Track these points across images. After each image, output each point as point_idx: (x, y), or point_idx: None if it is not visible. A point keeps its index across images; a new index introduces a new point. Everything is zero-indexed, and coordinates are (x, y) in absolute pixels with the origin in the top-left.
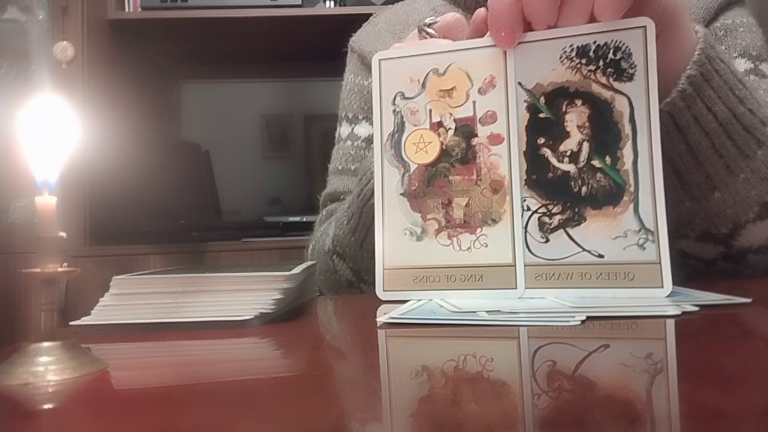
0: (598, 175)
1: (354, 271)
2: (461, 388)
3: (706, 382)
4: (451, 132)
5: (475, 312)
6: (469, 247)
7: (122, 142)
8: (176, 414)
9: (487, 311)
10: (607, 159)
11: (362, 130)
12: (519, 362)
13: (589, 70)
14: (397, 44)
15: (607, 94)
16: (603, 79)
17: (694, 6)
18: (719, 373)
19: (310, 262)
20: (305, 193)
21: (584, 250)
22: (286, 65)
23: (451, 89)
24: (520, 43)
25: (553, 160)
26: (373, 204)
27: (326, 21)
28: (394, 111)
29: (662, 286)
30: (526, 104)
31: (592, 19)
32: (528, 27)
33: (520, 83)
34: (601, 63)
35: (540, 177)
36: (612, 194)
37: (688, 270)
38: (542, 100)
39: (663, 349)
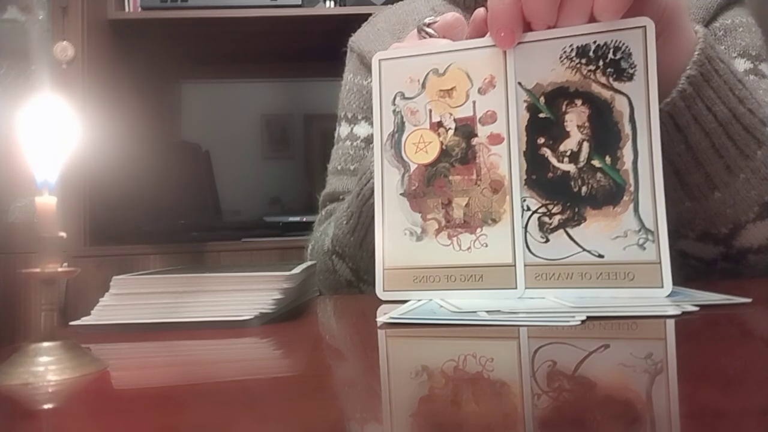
0: (598, 175)
1: (353, 270)
2: (461, 388)
3: (706, 382)
4: (451, 132)
5: (475, 312)
6: (469, 247)
7: (122, 142)
8: (176, 414)
9: (487, 311)
10: (607, 159)
11: (361, 130)
12: (519, 362)
13: (589, 70)
14: (396, 44)
15: (607, 94)
16: (603, 79)
17: (693, 6)
18: (719, 373)
19: (310, 262)
20: (305, 193)
21: (584, 250)
22: (286, 65)
23: (451, 89)
24: (519, 43)
25: (553, 160)
26: (372, 203)
27: (326, 21)
28: (394, 111)
29: (662, 286)
30: (526, 104)
31: (592, 19)
32: (528, 27)
33: (519, 83)
34: (600, 63)
35: (540, 177)
36: (612, 194)
37: (688, 270)
38: (542, 100)
39: (663, 349)
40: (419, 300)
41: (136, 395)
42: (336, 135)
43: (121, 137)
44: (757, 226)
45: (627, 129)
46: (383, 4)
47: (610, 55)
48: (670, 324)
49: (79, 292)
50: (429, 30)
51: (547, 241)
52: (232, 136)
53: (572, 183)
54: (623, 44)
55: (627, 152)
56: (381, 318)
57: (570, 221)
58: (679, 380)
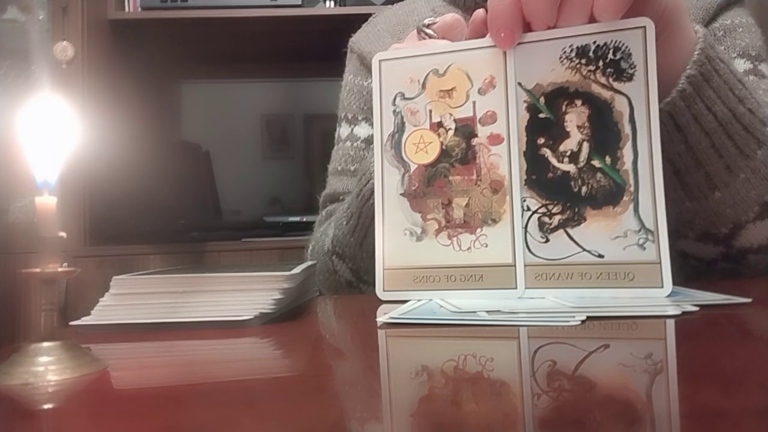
0: (598, 175)
1: (353, 271)
2: (461, 388)
3: (706, 382)
4: (451, 132)
5: (475, 312)
6: (469, 247)
7: (122, 142)
8: (176, 414)
9: (487, 311)
10: (607, 159)
11: (362, 130)
12: (519, 362)
13: (589, 71)
14: (396, 44)
15: (606, 94)
16: (603, 80)
17: (693, 6)
18: (719, 373)
19: (310, 262)
20: (305, 193)
21: (584, 250)
22: (286, 65)
23: (451, 89)
24: (519, 43)
25: (553, 160)
26: (372, 204)
27: (326, 21)
28: (394, 111)
29: (662, 286)
30: (525, 104)
31: (592, 20)
32: (528, 27)
33: (519, 83)
34: (600, 63)
35: (540, 177)
36: (612, 194)
37: (688, 270)
38: (542, 100)
39: (663, 349)
40: (419, 300)
41: (136, 395)
42: (336, 136)
43: (121, 137)
44: (757, 226)
45: (627, 129)
46: (383, 4)
47: (610, 56)
48: (670, 324)
49: (79, 292)
50: (428, 31)
51: (547, 241)
52: (232, 136)
53: (572, 183)
54: (623, 44)
55: (627, 152)
56: (381, 318)
57: (570, 221)
58: (679, 380)
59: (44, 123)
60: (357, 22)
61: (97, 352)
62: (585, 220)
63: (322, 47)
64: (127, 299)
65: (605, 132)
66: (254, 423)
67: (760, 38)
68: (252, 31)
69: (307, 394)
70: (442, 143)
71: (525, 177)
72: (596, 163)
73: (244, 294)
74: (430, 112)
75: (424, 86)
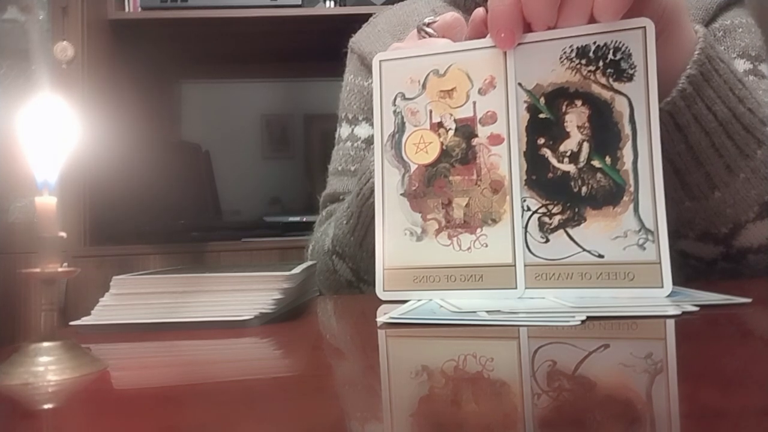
0: (598, 175)
1: (353, 271)
2: (461, 388)
3: (706, 382)
4: (451, 132)
5: (475, 312)
6: (469, 247)
7: (122, 142)
8: (176, 414)
9: (487, 311)
10: (607, 159)
11: (362, 131)
12: (519, 362)
13: (589, 71)
14: (396, 44)
15: (607, 94)
16: (603, 80)
17: (693, 7)
18: (719, 373)
19: (310, 262)
20: (305, 193)
21: (584, 250)
22: (286, 65)
23: (452, 90)
24: (519, 43)
25: (553, 161)
26: (372, 203)
27: (326, 21)
28: (394, 111)
29: (662, 286)
30: (526, 105)
31: (592, 20)
32: (528, 28)
33: (520, 84)
34: (600, 63)
35: (540, 177)
36: (612, 194)
37: (688, 270)
38: (542, 100)
39: (663, 349)
40: (419, 300)
41: (136, 395)
42: (336, 136)
43: (121, 137)
44: (757, 226)
45: (627, 129)
46: (383, 4)
47: (610, 56)
48: (670, 324)
49: (79, 292)
50: (429, 29)
51: (547, 241)
52: (232, 136)
53: (572, 183)
54: (623, 45)
55: (627, 152)
56: (381, 318)
57: (570, 221)
58: (679, 380)
59: (44, 123)
60: (357, 22)
61: (97, 352)
62: (585, 220)
63: (322, 47)
64: (127, 299)
65: (605, 132)
66: (254, 423)
67: (760, 38)
68: (252, 31)
69: (307, 394)
70: (442, 143)
71: (525, 177)
72: (596, 163)
73: (244, 294)
74: (431, 112)
75: (424, 86)
